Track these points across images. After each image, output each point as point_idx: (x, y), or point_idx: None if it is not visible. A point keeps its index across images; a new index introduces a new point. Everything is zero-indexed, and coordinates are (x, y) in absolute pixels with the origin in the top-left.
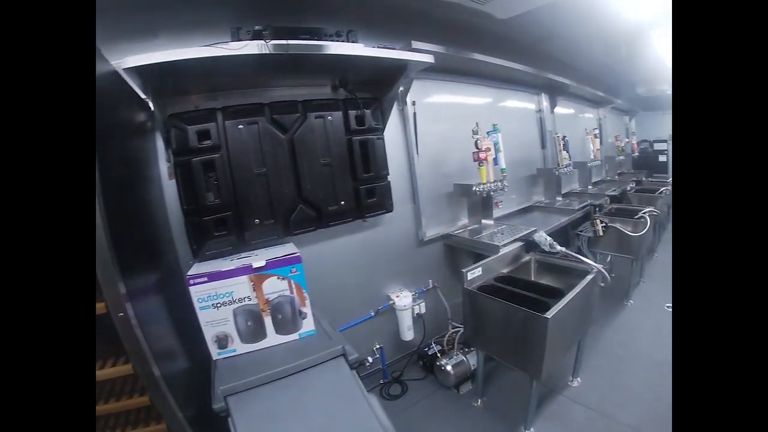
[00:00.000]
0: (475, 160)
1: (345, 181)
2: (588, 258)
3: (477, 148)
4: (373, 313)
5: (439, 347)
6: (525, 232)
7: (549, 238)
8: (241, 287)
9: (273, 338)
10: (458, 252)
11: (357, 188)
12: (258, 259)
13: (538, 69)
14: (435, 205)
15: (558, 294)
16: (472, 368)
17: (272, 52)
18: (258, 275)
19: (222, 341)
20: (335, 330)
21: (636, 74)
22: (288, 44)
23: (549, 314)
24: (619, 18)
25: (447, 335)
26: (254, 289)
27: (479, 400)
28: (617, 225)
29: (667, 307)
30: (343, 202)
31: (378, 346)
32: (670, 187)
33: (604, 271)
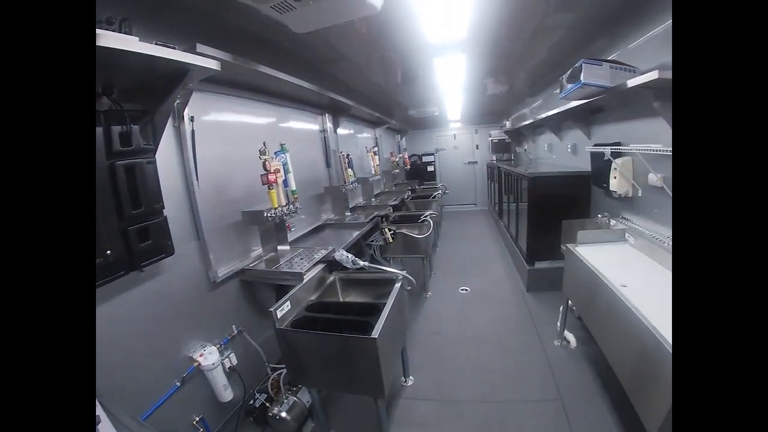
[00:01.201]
0: (264, 184)
1: (109, 222)
2: (387, 266)
3: (266, 170)
4: (179, 383)
5: (266, 395)
6: (325, 253)
7: (350, 255)
8: None
9: None
10: (258, 286)
11: (125, 230)
12: None
13: (324, 89)
14: (224, 239)
15: (373, 309)
16: (308, 404)
17: None
18: None
19: None
20: (140, 423)
21: (408, 97)
22: None
23: (375, 333)
24: (402, 46)
25: (270, 380)
26: None
27: None
28: (404, 230)
29: (461, 290)
30: (109, 252)
31: (197, 419)
32: (440, 192)
33: (408, 275)
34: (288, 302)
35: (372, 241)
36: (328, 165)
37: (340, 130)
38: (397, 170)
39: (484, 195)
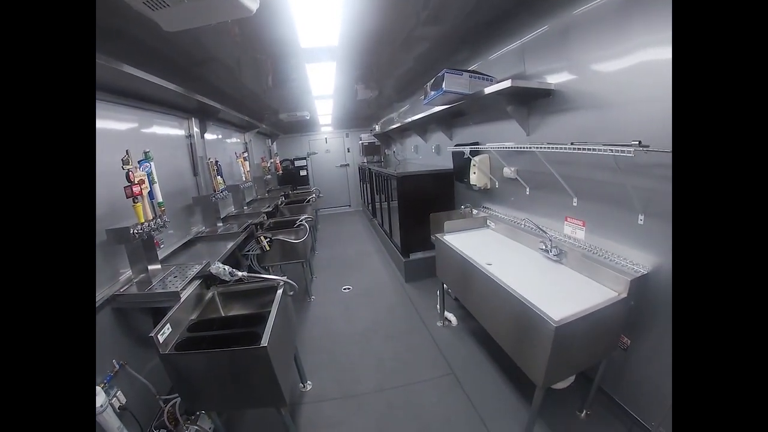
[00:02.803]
0: (128, 197)
1: None
2: (267, 274)
3: (129, 181)
4: None
5: (164, 430)
6: (199, 268)
7: (227, 267)
8: None
9: None
10: (133, 313)
11: None
12: None
13: (191, 91)
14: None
15: (259, 318)
16: (211, 430)
17: None
18: None
19: None
20: None
21: (279, 101)
22: None
23: (264, 342)
24: (274, 49)
25: (165, 413)
26: None
27: None
28: (281, 237)
29: (344, 289)
30: None
31: None
32: (314, 196)
33: (288, 280)
34: (168, 325)
35: (248, 251)
36: (195, 173)
37: (208, 135)
38: (269, 176)
39: (357, 196)
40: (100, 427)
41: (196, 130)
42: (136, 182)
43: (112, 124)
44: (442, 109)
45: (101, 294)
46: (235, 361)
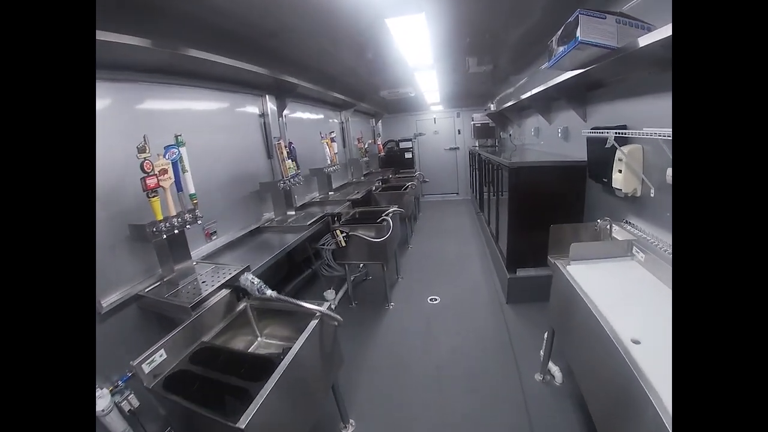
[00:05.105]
0: (144, 190)
1: None
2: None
3: (145, 171)
4: None
5: None
6: (231, 275)
7: (257, 281)
8: None
9: None
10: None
11: None
12: None
13: (266, 67)
14: (115, 257)
15: (268, 366)
16: None
17: None
18: None
19: None
20: None
21: (373, 76)
22: None
23: (242, 422)
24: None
25: None
26: None
27: None
28: (360, 233)
29: (431, 299)
30: None
31: None
32: (414, 182)
33: (330, 313)
34: (162, 351)
35: (323, 244)
36: (270, 155)
37: (290, 114)
38: (366, 158)
39: (466, 184)
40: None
41: (272, 107)
42: (152, 173)
43: (162, 104)
44: (574, 76)
45: (124, 292)
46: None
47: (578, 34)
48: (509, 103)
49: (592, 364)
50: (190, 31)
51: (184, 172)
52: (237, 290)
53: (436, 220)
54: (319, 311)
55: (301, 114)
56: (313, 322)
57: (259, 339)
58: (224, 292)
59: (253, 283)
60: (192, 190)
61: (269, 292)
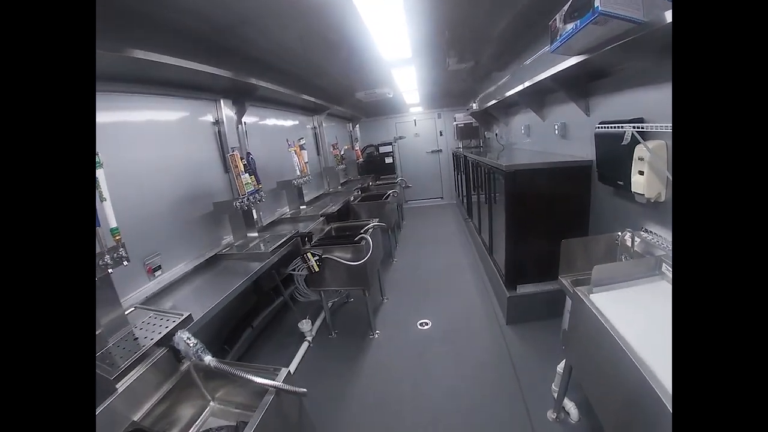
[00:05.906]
0: None
1: None
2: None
3: None
4: None
5: None
6: (166, 330)
7: (193, 342)
8: None
9: None
10: None
11: None
12: None
13: (220, 66)
14: None
15: None
16: None
17: None
18: None
19: None
20: None
21: (343, 72)
22: None
23: None
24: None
25: None
26: None
27: None
28: (336, 254)
29: (420, 324)
30: None
31: None
32: (397, 189)
33: (288, 387)
34: None
35: (294, 269)
36: (227, 170)
37: (252, 120)
38: (342, 166)
39: (450, 187)
40: None
41: (228, 113)
42: None
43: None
44: (577, 63)
45: None
46: None
47: (597, 2)
48: (494, 101)
49: (624, 410)
50: (130, 28)
51: (102, 201)
52: (173, 350)
53: (422, 228)
54: (274, 387)
55: (266, 120)
56: (269, 397)
57: (211, 404)
58: (163, 350)
59: (188, 344)
60: (113, 224)
61: (207, 359)
